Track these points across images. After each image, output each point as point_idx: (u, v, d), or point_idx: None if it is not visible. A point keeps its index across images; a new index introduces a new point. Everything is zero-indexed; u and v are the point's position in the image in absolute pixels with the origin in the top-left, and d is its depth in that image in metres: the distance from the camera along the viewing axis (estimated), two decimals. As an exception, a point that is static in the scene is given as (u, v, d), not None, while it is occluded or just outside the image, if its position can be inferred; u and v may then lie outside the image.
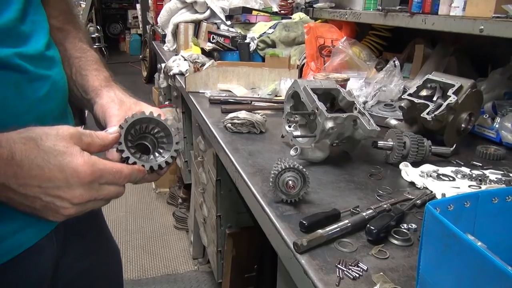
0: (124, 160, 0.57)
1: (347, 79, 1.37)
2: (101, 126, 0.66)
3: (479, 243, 0.41)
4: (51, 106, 0.63)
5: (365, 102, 1.42)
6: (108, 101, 0.67)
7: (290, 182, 0.78)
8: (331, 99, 1.11)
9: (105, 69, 0.75)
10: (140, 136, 0.61)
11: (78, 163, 0.49)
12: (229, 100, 1.51)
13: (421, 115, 1.07)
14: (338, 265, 0.62)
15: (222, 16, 2.43)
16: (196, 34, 2.55)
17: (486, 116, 1.23)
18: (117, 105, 0.66)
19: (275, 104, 1.49)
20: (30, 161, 0.47)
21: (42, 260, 0.67)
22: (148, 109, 0.63)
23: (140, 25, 7.84)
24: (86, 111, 3.85)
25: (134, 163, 0.57)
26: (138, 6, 7.44)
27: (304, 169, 0.79)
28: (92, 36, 8.20)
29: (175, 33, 2.73)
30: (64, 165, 0.49)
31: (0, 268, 0.60)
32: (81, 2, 8.15)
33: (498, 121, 1.18)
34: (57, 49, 0.70)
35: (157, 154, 0.61)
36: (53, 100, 0.63)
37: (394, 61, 1.53)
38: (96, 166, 0.51)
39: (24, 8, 0.60)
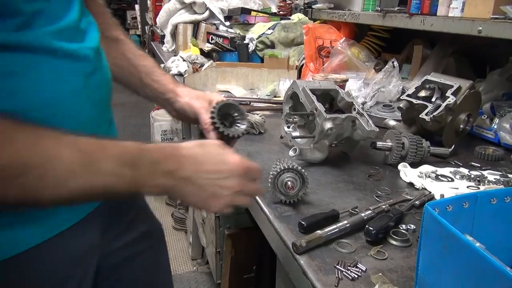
0: (221, 132, 0.74)
1: (346, 80, 1.37)
2: (189, 117, 0.83)
3: (478, 244, 0.41)
4: (104, 95, 0.71)
5: (364, 103, 1.43)
6: (190, 98, 0.83)
7: (289, 182, 0.78)
8: (330, 99, 1.11)
9: (165, 72, 0.91)
10: (222, 118, 0.76)
11: (236, 159, 0.65)
12: (228, 100, 1.51)
13: (420, 116, 1.08)
14: (337, 266, 0.63)
15: (221, 17, 2.43)
16: (195, 34, 2.55)
17: (484, 117, 1.23)
18: (198, 100, 0.83)
19: (274, 105, 1.49)
20: (207, 160, 0.64)
21: (78, 241, 0.69)
22: (219, 97, 0.83)
23: (139, 26, 7.82)
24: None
25: (229, 133, 0.74)
26: (137, 6, 7.41)
27: (303, 170, 0.79)
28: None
29: (174, 34, 2.73)
30: (227, 160, 0.64)
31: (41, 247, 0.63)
32: (79, 2, 8.12)
33: (497, 122, 1.19)
34: (118, 58, 0.84)
35: (236, 128, 0.78)
36: (104, 90, 0.71)
37: (392, 62, 1.53)
38: (246, 162, 0.66)
39: (80, 10, 0.68)
